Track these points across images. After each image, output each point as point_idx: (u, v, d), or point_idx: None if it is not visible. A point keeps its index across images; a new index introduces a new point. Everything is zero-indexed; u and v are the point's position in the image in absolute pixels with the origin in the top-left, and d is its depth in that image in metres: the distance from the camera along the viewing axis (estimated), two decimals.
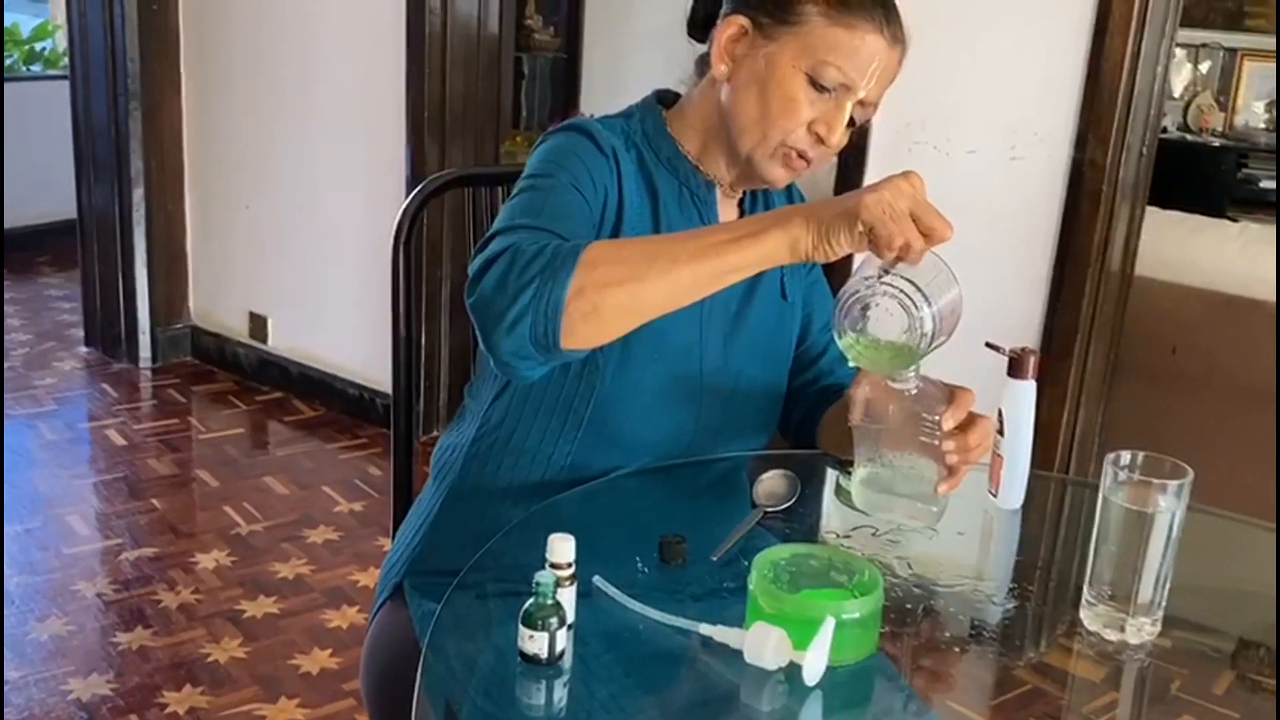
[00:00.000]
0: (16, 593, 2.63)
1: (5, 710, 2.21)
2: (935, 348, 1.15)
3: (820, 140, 1.30)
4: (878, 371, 1.18)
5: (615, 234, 1.31)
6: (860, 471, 1.24)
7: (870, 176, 2.70)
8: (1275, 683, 1.07)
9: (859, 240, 1.09)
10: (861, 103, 1.31)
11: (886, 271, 1.11)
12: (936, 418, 1.19)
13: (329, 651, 2.48)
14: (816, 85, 1.28)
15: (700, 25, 1.41)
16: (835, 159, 2.86)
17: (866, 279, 1.12)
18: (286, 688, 2.35)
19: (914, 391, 1.19)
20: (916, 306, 1.10)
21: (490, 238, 1.19)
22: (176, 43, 4.00)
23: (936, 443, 1.20)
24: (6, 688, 2.28)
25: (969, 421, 1.23)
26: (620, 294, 1.11)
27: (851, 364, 1.17)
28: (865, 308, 1.12)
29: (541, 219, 1.21)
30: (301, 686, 2.36)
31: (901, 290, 1.10)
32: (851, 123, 1.32)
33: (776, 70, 1.29)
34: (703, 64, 1.40)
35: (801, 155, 1.32)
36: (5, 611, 2.54)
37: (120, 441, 3.52)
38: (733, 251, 1.11)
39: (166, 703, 2.28)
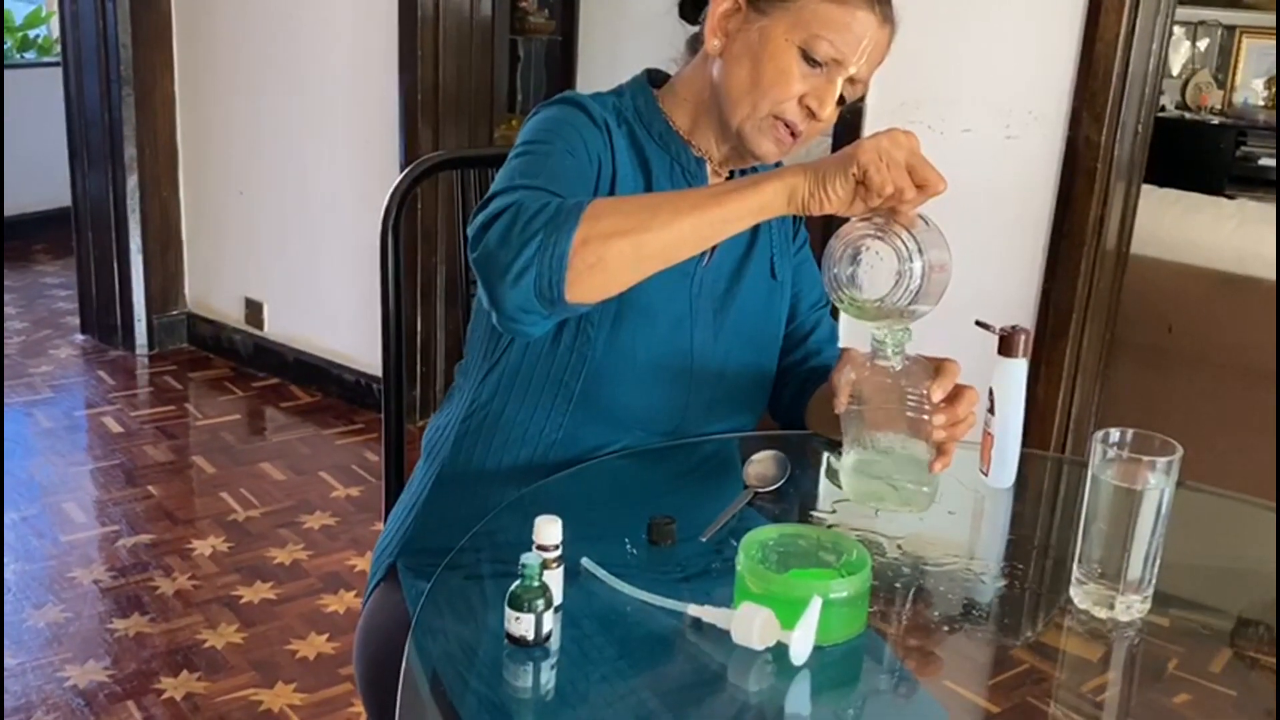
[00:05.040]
0: (13, 580, 2.63)
1: (3, 698, 2.21)
2: (920, 315, 1.15)
3: (811, 114, 1.31)
4: (861, 320, 1.18)
5: None
6: (849, 458, 1.23)
7: None
8: (1275, 660, 1.07)
9: (853, 185, 1.12)
10: (851, 80, 1.32)
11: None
12: (923, 392, 1.19)
13: (326, 636, 2.48)
14: (809, 59, 1.29)
15: (692, 6, 1.43)
16: (829, 140, 2.86)
17: (863, 221, 1.14)
18: (283, 673, 2.35)
19: (899, 368, 1.18)
20: (909, 255, 1.11)
21: (490, 197, 1.20)
22: (168, 28, 3.99)
23: (925, 418, 1.19)
24: (4, 675, 2.28)
25: (956, 393, 1.23)
26: (624, 244, 1.12)
27: (836, 305, 1.18)
28: (859, 250, 1.14)
29: (541, 180, 1.22)
30: (298, 671, 2.36)
31: (897, 235, 1.12)
32: (841, 100, 1.33)
33: (770, 43, 1.30)
34: (695, 42, 1.42)
35: (791, 129, 1.32)
36: (2, 599, 2.54)
37: (117, 429, 3.52)
38: (733, 200, 1.14)
39: (164, 689, 2.28)
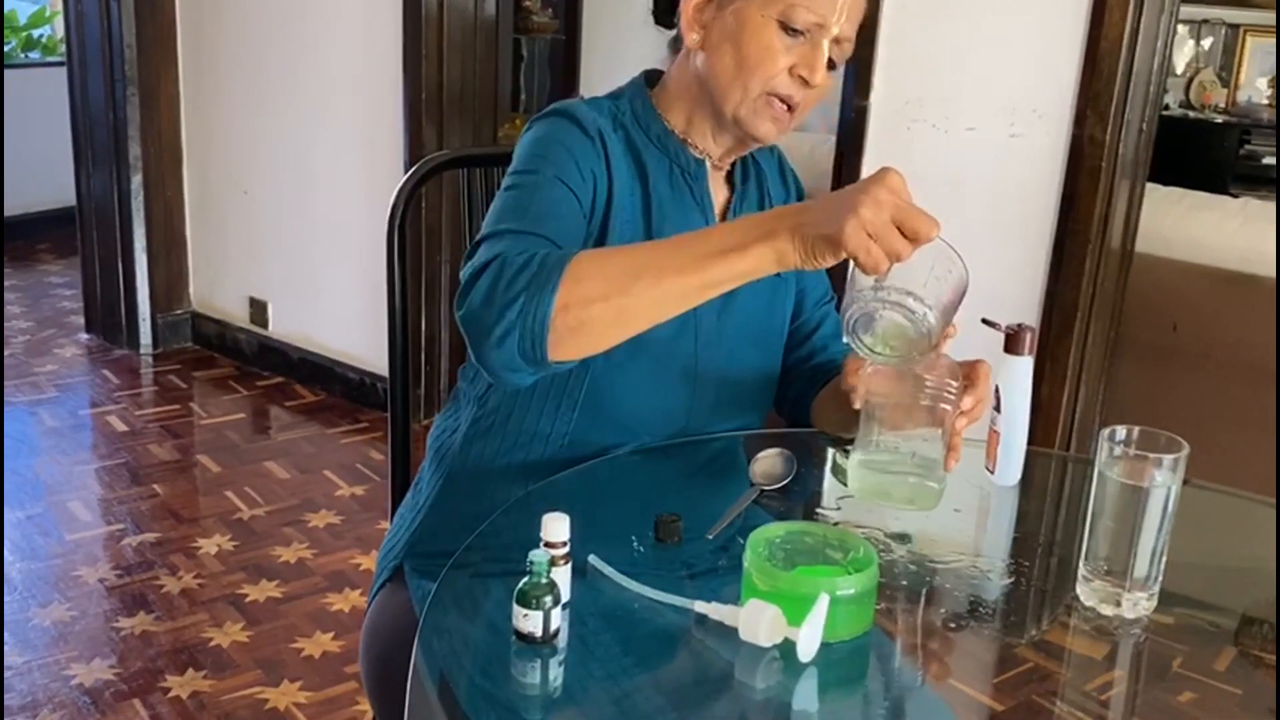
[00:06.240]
0: (19, 579, 2.64)
1: (9, 696, 2.22)
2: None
3: (804, 82, 1.30)
4: (897, 365, 1.16)
5: (605, 217, 1.31)
6: (857, 455, 1.22)
7: (869, 157, 2.69)
8: (1276, 658, 1.07)
9: (843, 258, 1.08)
10: (836, 40, 1.30)
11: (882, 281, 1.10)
12: (945, 380, 1.17)
13: (331, 635, 2.48)
14: (789, 30, 1.28)
15: (665, 10, 1.42)
16: (834, 140, 2.86)
17: (862, 292, 1.11)
18: (289, 671, 2.36)
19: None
20: (917, 312, 1.09)
21: (478, 244, 1.20)
22: (173, 28, 3.99)
23: (944, 406, 1.17)
24: (10, 674, 2.29)
25: (972, 370, 1.23)
26: (605, 309, 1.11)
27: (870, 368, 1.17)
28: (870, 318, 1.11)
29: (527, 221, 1.21)
30: (304, 670, 2.36)
31: (898, 303, 1.09)
32: (831, 65, 1.32)
33: (747, 24, 1.29)
34: (676, 43, 1.41)
35: (787, 103, 1.31)
36: (8, 598, 2.55)
37: (121, 428, 3.52)
38: (718, 266, 1.10)
39: (169, 687, 2.29)
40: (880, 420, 1.20)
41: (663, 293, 1.11)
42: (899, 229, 1.05)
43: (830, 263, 1.09)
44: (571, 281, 1.10)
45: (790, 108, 1.32)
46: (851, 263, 1.10)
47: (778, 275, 1.43)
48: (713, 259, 1.10)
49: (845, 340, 1.14)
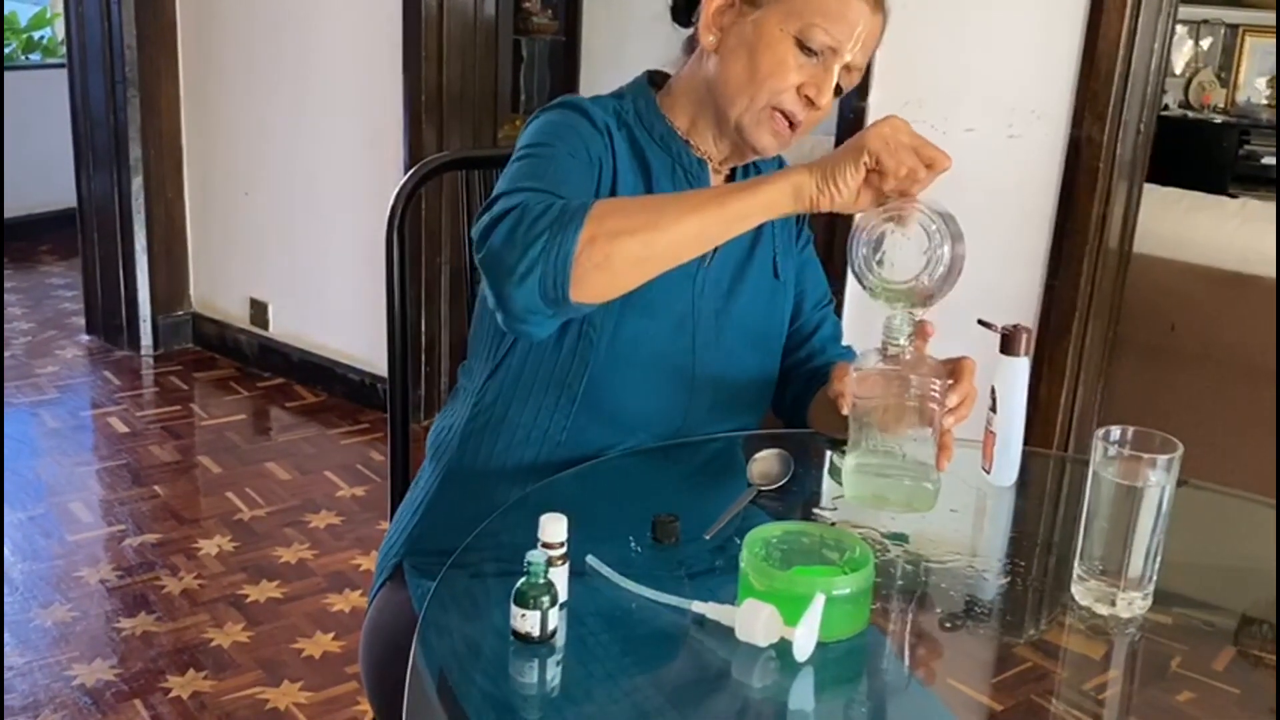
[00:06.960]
0: (20, 580, 2.64)
1: (10, 696, 2.22)
2: (943, 295, 1.16)
3: (810, 103, 1.32)
4: (886, 304, 1.18)
5: None
6: (851, 460, 1.21)
7: None
8: (1276, 658, 1.07)
9: (863, 175, 1.14)
10: (847, 68, 1.33)
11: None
12: (931, 379, 1.18)
13: (331, 635, 2.49)
14: (804, 49, 1.30)
15: (683, 9, 1.43)
16: (833, 141, 2.86)
17: (887, 208, 1.16)
18: (289, 671, 2.36)
19: (908, 357, 1.18)
20: (939, 233, 1.13)
21: (494, 199, 1.20)
22: (174, 30, 4.00)
23: (932, 406, 1.18)
24: (11, 674, 2.29)
25: (957, 366, 1.24)
26: (631, 243, 1.13)
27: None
28: (884, 234, 1.15)
29: (544, 182, 1.23)
30: (304, 670, 2.37)
31: (921, 212, 1.14)
32: (838, 90, 1.34)
33: (765, 34, 1.31)
34: (690, 43, 1.42)
35: (789, 119, 1.33)
36: (9, 598, 2.55)
37: (122, 429, 3.53)
38: (739, 199, 1.16)
39: (170, 687, 2.29)
40: (870, 424, 1.20)
41: (686, 228, 1.15)
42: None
43: (849, 183, 1.14)
44: (596, 219, 1.13)
45: (792, 124, 1.33)
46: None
47: (776, 277, 1.46)
48: (733, 194, 1.17)
49: (851, 263, 1.16)
